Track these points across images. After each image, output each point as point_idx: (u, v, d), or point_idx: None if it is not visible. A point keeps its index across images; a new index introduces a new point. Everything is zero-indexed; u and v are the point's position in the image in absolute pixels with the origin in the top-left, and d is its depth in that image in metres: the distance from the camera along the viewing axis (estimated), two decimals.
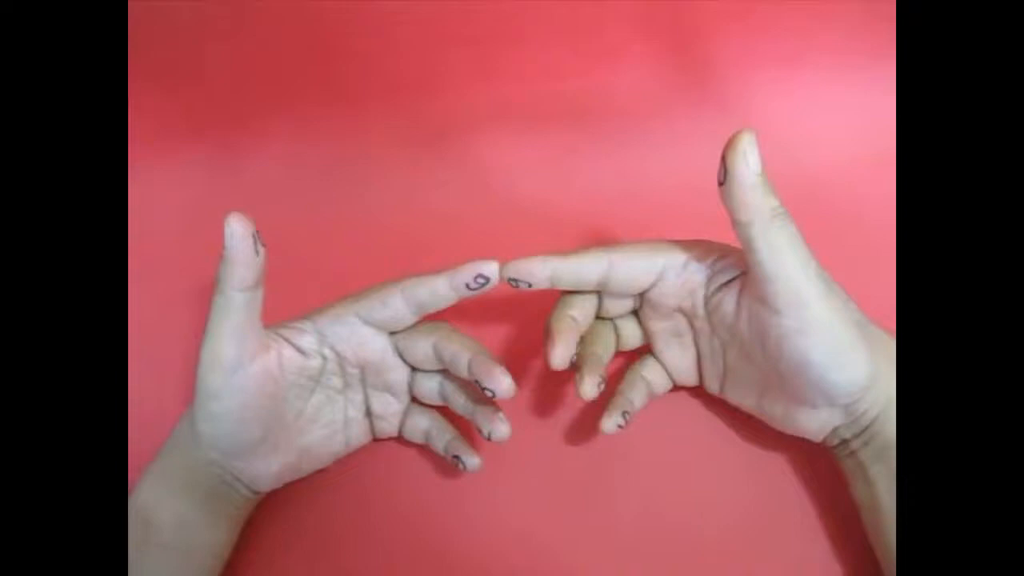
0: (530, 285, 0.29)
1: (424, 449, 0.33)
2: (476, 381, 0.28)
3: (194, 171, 0.42)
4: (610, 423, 0.29)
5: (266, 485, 0.30)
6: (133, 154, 0.37)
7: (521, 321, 0.37)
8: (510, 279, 0.29)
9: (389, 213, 0.41)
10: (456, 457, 0.31)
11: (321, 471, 0.32)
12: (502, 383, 0.27)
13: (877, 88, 0.38)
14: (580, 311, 0.29)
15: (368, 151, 0.41)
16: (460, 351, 0.28)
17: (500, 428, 0.29)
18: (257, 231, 0.25)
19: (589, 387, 0.27)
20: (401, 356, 0.31)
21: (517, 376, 0.34)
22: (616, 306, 0.31)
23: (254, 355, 0.27)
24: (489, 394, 0.27)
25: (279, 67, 0.38)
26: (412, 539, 0.32)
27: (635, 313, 0.32)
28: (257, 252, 0.25)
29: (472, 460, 0.30)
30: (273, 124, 0.41)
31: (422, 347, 0.29)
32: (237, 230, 0.25)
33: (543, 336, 0.28)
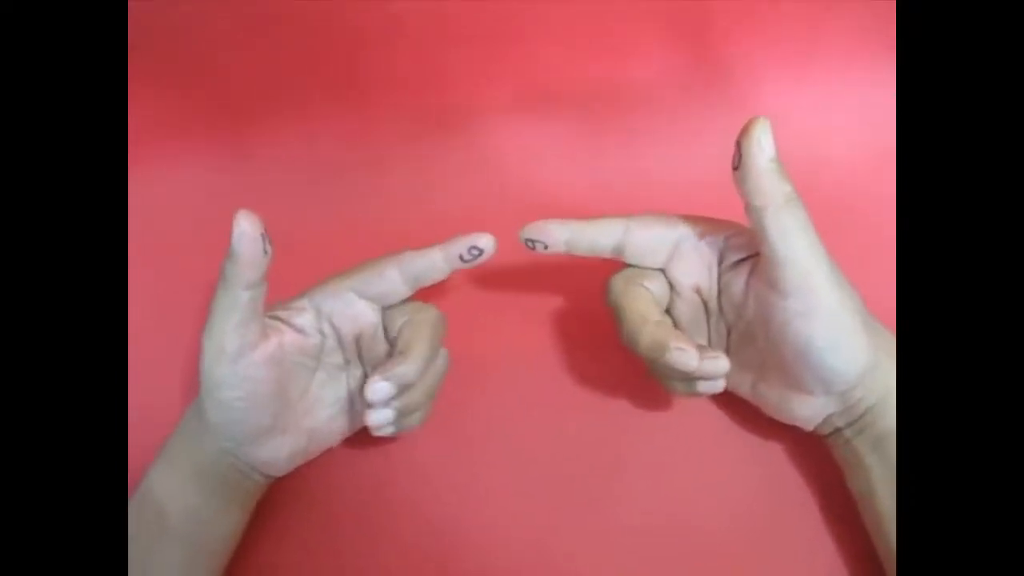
0: (546, 247, 0.29)
1: (430, 442, 0.33)
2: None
3: (198, 168, 0.41)
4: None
5: (278, 470, 0.30)
6: (137, 152, 0.37)
7: (523, 321, 0.37)
8: (527, 240, 0.29)
9: (395, 208, 0.41)
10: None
11: (328, 457, 0.32)
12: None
13: (882, 85, 0.38)
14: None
15: (375, 146, 0.41)
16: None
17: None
18: (265, 229, 0.25)
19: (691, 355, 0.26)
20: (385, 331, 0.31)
21: (517, 375, 0.35)
22: (659, 288, 0.30)
23: (256, 343, 0.27)
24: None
25: (283, 63, 0.38)
26: (415, 532, 0.32)
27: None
28: (265, 252, 0.25)
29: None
30: (278, 121, 0.41)
31: (398, 322, 0.30)
32: (246, 229, 0.25)
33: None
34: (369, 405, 0.27)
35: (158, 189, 0.41)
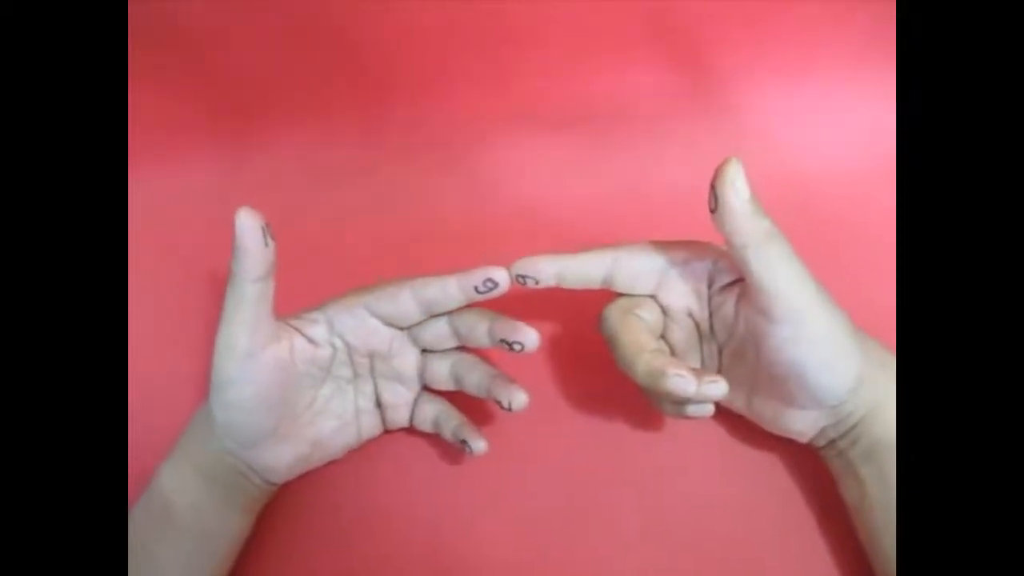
0: (537, 282, 0.29)
1: (433, 447, 0.34)
2: (501, 341, 0.29)
3: (198, 168, 0.42)
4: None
5: (279, 476, 0.30)
6: (137, 152, 0.37)
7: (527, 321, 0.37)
8: (517, 276, 0.29)
9: (395, 213, 0.41)
10: (463, 442, 0.31)
11: (333, 464, 0.32)
12: (529, 334, 0.28)
13: (882, 96, 0.38)
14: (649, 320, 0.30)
15: (375, 148, 0.41)
16: (477, 320, 0.29)
17: (518, 397, 0.29)
18: (266, 223, 0.26)
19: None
20: (413, 340, 0.31)
21: (518, 379, 0.35)
22: (653, 316, 0.30)
23: (266, 344, 0.27)
24: (517, 348, 0.28)
25: (283, 64, 0.38)
26: (418, 535, 0.32)
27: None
28: (267, 244, 0.26)
29: (478, 444, 0.30)
30: (278, 122, 0.41)
31: (437, 324, 0.30)
32: (247, 223, 0.25)
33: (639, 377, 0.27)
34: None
35: (158, 189, 0.41)
